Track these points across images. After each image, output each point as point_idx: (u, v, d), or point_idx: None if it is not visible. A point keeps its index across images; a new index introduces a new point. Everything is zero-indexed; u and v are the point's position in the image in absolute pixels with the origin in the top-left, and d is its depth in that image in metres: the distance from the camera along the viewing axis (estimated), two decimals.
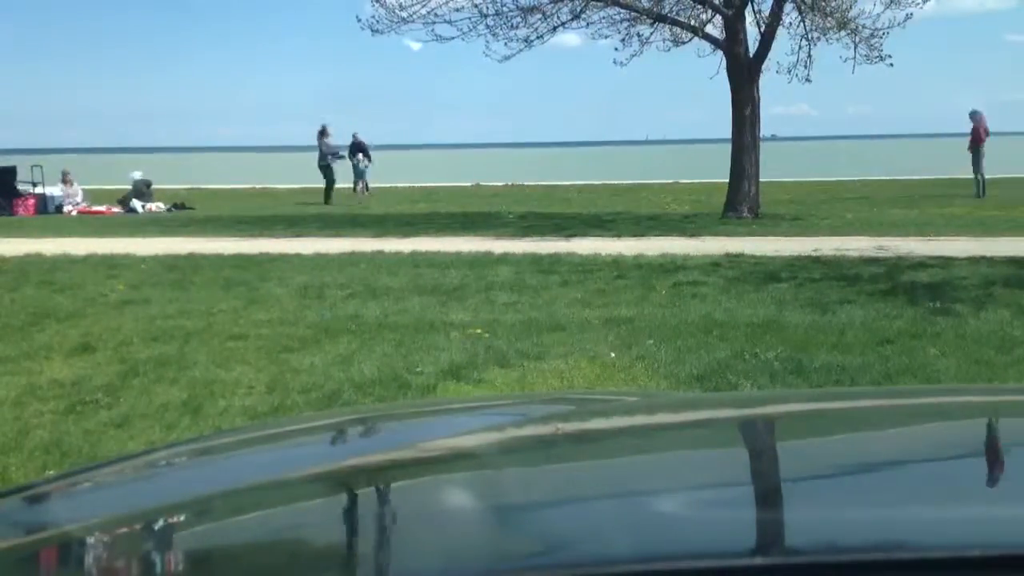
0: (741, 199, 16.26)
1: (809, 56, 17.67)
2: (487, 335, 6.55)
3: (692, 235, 13.06)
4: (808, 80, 18.00)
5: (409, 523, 0.98)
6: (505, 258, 10.67)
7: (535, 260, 10.47)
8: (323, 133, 22.75)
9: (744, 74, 16.47)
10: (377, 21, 18.12)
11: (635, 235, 13.25)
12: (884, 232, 12.84)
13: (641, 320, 6.98)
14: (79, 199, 21.14)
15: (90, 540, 1.05)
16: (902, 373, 5.30)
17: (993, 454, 1.18)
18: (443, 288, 8.65)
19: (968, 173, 20.89)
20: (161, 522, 1.08)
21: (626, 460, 1.24)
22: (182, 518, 1.09)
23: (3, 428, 4.62)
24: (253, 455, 1.43)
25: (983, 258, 9.83)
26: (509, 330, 6.70)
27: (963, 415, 1.44)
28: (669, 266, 9.89)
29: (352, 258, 10.84)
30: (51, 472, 3.99)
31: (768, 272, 9.29)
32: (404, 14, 17.88)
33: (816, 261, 10.06)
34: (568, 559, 0.84)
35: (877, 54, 17.42)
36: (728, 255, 10.55)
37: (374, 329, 6.83)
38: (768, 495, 1.07)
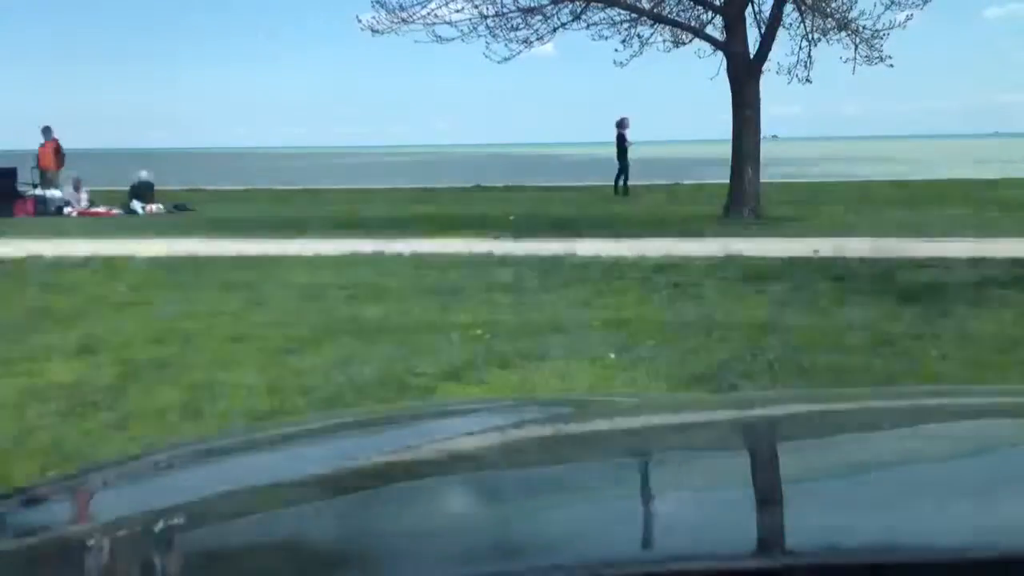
0: (741, 200, 16.27)
1: (809, 57, 17.74)
2: (488, 336, 6.55)
3: (693, 236, 13.02)
4: (808, 81, 18.09)
5: (410, 525, 0.97)
6: (505, 259, 10.67)
7: (535, 261, 10.46)
8: None
9: (744, 75, 16.48)
10: (377, 22, 18.16)
11: (635, 236, 13.21)
12: (884, 233, 12.82)
13: (641, 321, 6.98)
14: (84, 203, 21.11)
15: (91, 542, 1.05)
16: (903, 375, 5.30)
17: (994, 455, 1.17)
18: (443, 289, 8.65)
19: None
20: (161, 524, 1.07)
21: (627, 462, 1.24)
22: (182, 520, 1.08)
23: (4, 430, 4.63)
24: (253, 457, 1.43)
25: (984, 259, 9.83)
26: (510, 331, 6.70)
27: (964, 416, 1.43)
28: (669, 266, 9.89)
29: (352, 259, 10.84)
30: (52, 473, 4.00)
31: (768, 273, 9.28)
32: (404, 15, 17.92)
33: (816, 262, 10.05)
34: (569, 561, 0.84)
35: (878, 55, 17.48)
36: (728, 256, 10.54)
37: (374, 331, 6.83)
38: (770, 497, 1.06)
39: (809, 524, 0.91)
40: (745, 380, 5.28)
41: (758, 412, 1.55)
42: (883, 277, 8.90)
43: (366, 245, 11.92)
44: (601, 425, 1.51)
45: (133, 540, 1.04)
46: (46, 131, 22.18)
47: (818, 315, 7.12)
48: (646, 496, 1.05)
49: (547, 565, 0.84)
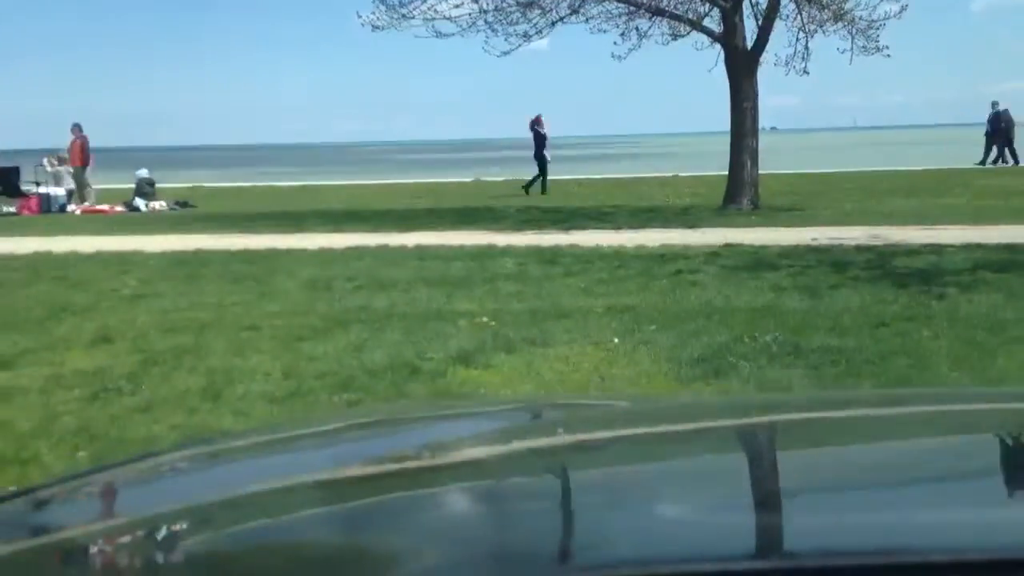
0: (740, 191, 16.41)
1: (807, 48, 17.87)
2: (493, 323, 6.72)
3: (692, 226, 13.16)
4: (806, 72, 18.21)
5: (410, 528, 0.97)
6: (508, 250, 10.83)
7: (538, 252, 10.62)
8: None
9: (742, 67, 16.62)
10: (378, 18, 18.29)
11: (635, 227, 13.34)
12: (881, 221, 12.98)
13: (643, 307, 7.17)
14: (91, 199, 21.24)
15: (91, 544, 1.05)
16: (896, 354, 5.49)
17: (994, 458, 1.19)
18: (449, 279, 8.83)
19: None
20: (163, 526, 1.07)
21: (627, 464, 1.24)
22: (184, 522, 1.08)
23: (32, 414, 4.81)
24: (254, 459, 1.44)
25: (977, 245, 10.00)
26: (515, 318, 6.88)
27: (964, 418, 1.44)
28: (669, 256, 10.06)
29: (357, 252, 11.00)
30: (82, 453, 4.18)
31: (766, 260, 9.49)
32: (404, 11, 18.06)
33: (814, 250, 10.23)
34: (569, 562, 0.85)
35: (874, 45, 17.62)
36: (728, 245, 10.71)
37: (383, 319, 7.01)
38: (770, 500, 1.07)
39: (809, 526, 0.92)
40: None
41: (758, 415, 1.57)
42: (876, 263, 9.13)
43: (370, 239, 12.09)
44: (601, 427, 1.51)
45: (132, 542, 1.04)
46: (74, 128, 22.22)
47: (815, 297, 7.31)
48: (646, 498, 1.04)
49: (547, 566, 0.84)
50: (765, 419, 1.51)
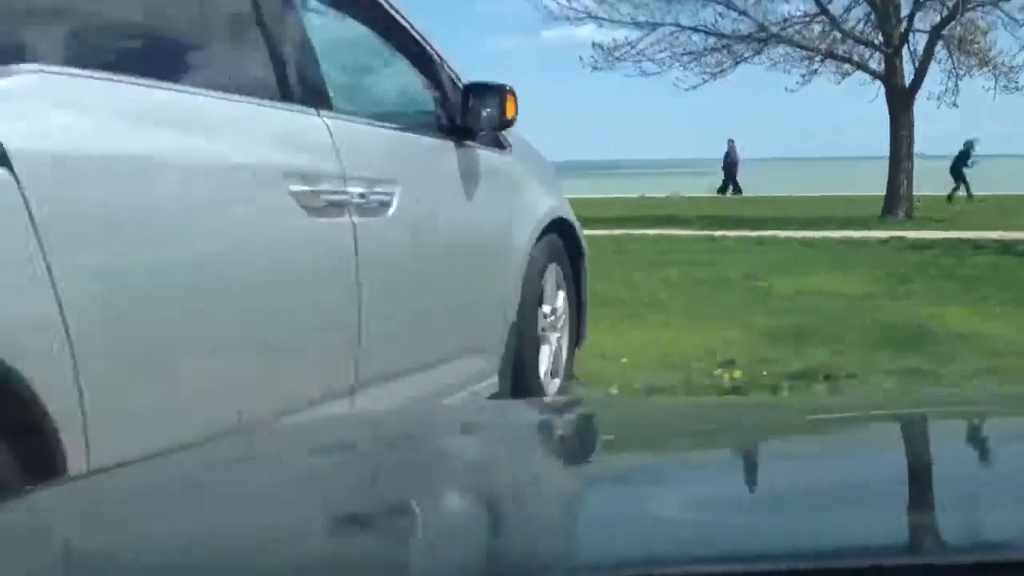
0: (897, 204, 19.99)
1: (956, 86, 21.52)
2: (753, 268, 10.90)
3: (861, 229, 16.38)
4: (955, 105, 21.82)
5: (407, 529, 1.00)
6: (723, 238, 14.75)
7: (746, 240, 14.40)
8: None
9: (900, 101, 20.35)
10: (596, 61, 22.82)
11: (810, 229, 16.49)
12: (1011, 229, 15.72)
13: (844, 261, 11.42)
14: None
15: (93, 544, 1.03)
16: (1003, 278, 9.61)
17: (1000, 458, 1.20)
18: (695, 249, 12.95)
19: None
20: (161, 527, 1.05)
21: (627, 464, 1.25)
22: (182, 522, 1.06)
23: None
24: (253, 459, 1.42)
25: None
26: (763, 266, 11.01)
27: (969, 420, 1.45)
28: (851, 242, 14.05)
29: (625, 237, 14.68)
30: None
31: (925, 244, 13.51)
32: (617, 54, 22.54)
33: (961, 240, 13.96)
34: (568, 563, 0.86)
35: (1014, 85, 21.20)
36: (894, 237, 14.58)
37: (686, 263, 10.99)
38: (771, 500, 1.05)
39: (809, 527, 0.93)
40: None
41: (762, 416, 1.59)
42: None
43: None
44: (604, 427, 1.53)
45: (130, 542, 1.02)
46: None
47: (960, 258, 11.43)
48: (648, 498, 1.04)
49: (546, 565, 0.85)
50: (769, 421, 1.53)
